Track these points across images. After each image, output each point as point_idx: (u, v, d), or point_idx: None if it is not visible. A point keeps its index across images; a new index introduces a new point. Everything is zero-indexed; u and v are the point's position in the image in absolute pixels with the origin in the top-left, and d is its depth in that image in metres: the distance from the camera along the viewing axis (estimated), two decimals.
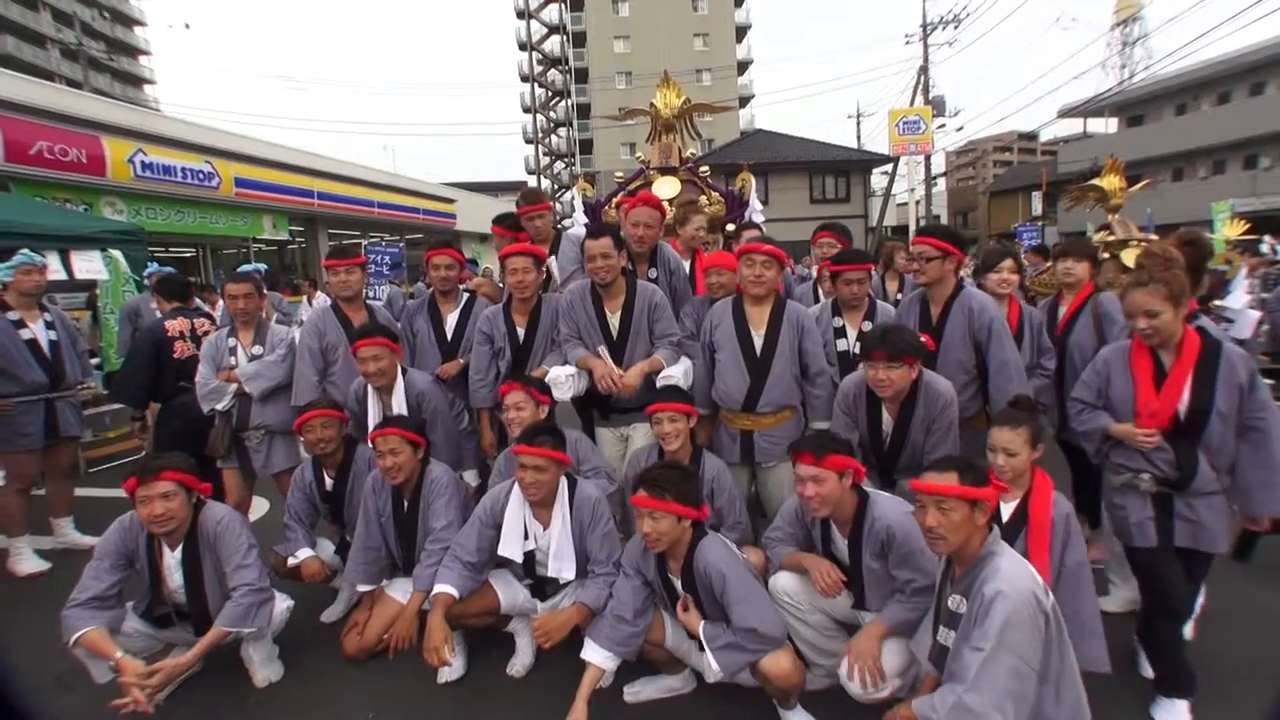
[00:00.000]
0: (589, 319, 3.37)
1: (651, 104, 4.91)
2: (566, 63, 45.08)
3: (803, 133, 31.86)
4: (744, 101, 44.06)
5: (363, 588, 3.17)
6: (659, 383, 3.21)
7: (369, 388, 3.43)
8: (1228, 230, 7.29)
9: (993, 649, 1.79)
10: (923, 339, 2.82)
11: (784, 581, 2.65)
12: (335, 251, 3.88)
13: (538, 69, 46.29)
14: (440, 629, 2.59)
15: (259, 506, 4.76)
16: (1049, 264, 4.77)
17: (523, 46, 46.18)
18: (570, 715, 2.34)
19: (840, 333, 3.47)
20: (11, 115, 10.27)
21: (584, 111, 43.23)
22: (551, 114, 48.40)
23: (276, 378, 3.77)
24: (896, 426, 2.84)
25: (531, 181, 43.76)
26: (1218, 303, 4.66)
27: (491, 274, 8.45)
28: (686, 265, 3.93)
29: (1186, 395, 2.40)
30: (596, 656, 2.46)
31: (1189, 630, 2.66)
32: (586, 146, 44.48)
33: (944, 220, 41.63)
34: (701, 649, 2.44)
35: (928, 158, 24.53)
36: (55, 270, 5.61)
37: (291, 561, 3.30)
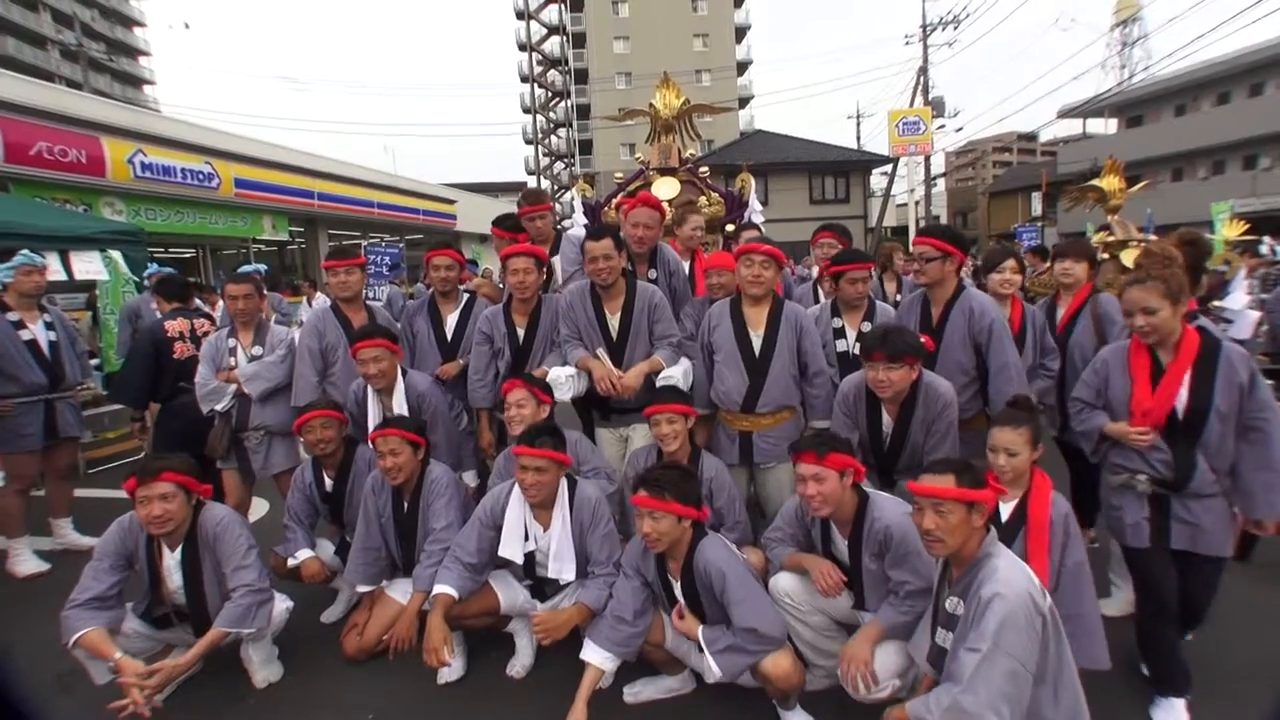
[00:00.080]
0: (589, 320, 3.37)
1: (651, 105, 4.91)
2: (566, 63, 45.11)
3: (802, 133, 31.92)
4: (743, 102, 44.09)
5: (362, 588, 3.17)
6: (659, 383, 3.21)
7: (369, 389, 3.43)
8: (1227, 231, 7.29)
9: (989, 651, 1.79)
10: (923, 340, 2.82)
11: (784, 582, 2.65)
12: (335, 252, 3.87)
13: (537, 70, 46.35)
14: (440, 630, 2.59)
15: (258, 507, 4.76)
16: (1048, 264, 4.77)
17: (522, 47, 46.24)
18: (570, 716, 2.34)
19: (840, 333, 3.47)
20: (11, 116, 10.26)
21: (584, 112, 43.25)
22: (551, 115, 48.44)
23: (276, 378, 3.77)
24: (896, 427, 2.84)
25: (531, 182, 43.85)
26: (1217, 303, 4.66)
27: (491, 274, 8.45)
28: (686, 266, 3.93)
29: (1185, 395, 2.38)
30: (596, 657, 2.46)
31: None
32: (586, 147, 44.50)
33: (943, 221, 41.62)
34: (701, 650, 2.44)
35: (927, 158, 24.56)
36: (55, 271, 5.60)
37: (291, 562, 3.30)
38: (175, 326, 4.24)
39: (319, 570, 3.32)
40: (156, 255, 10.26)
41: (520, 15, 45.84)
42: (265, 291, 4.55)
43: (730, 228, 4.65)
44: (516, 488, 2.81)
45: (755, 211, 4.69)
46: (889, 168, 26.11)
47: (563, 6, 44.38)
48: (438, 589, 2.70)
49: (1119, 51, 42.01)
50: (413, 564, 3.04)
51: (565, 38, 44.90)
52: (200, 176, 13.33)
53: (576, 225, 4.58)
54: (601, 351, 3.30)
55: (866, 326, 3.36)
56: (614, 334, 3.35)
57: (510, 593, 2.95)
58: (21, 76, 11.92)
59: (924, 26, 24.21)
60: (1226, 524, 2.44)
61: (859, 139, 37.17)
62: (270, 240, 16.35)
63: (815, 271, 4.80)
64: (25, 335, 4.18)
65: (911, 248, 3.54)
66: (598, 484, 3.06)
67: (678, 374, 3.26)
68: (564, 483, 2.82)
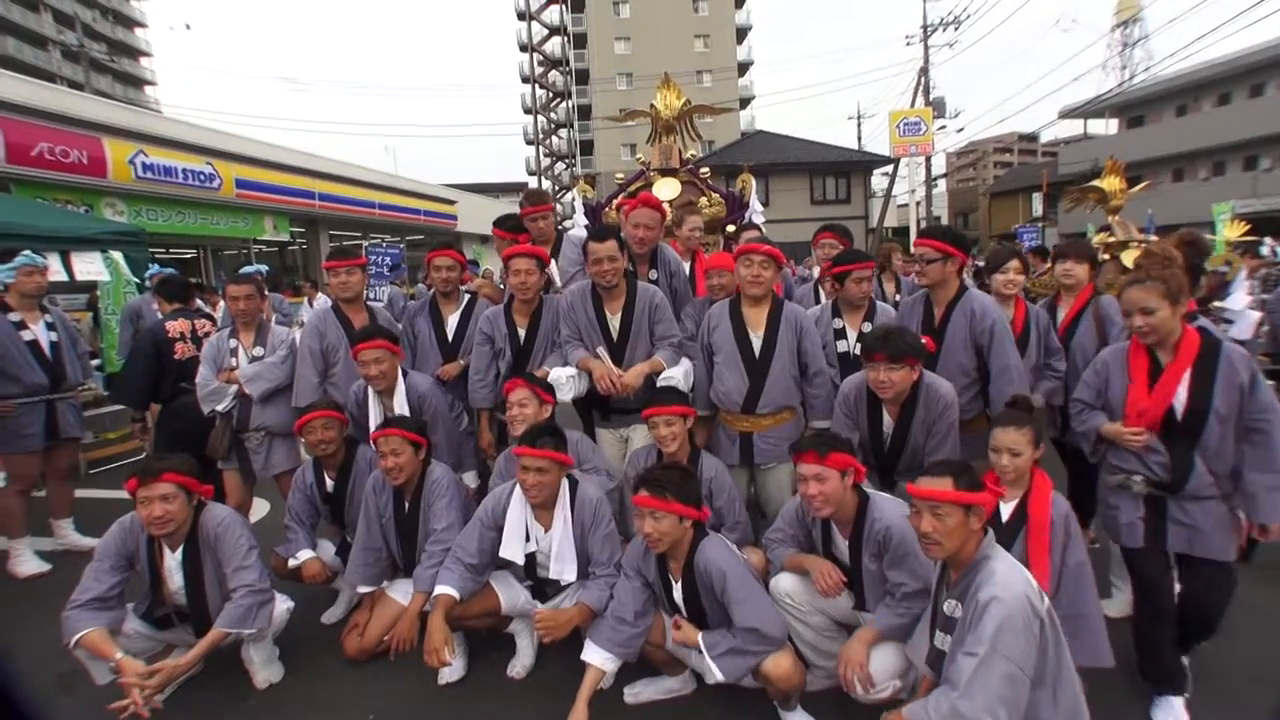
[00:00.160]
0: (589, 320, 3.37)
1: (652, 105, 4.91)
2: (567, 64, 45.13)
3: (803, 134, 31.95)
4: (744, 103, 44.11)
5: (363, 589, 3.17)
6: (659, 384, 3.22)
7: (369, 390, 3.43)
8: (1228, 231, 7.27)
9: (986, 655, 1.79)
10: (923, 341, 2.82)
11: (785, 583, 2.65)
12: (336, 253, 3.88)
13: (538, 70, 46.37)
14: (441, 630, 2.59)
15: (259, 508, 4.76)
16: (1049, 265, 4.77)
17: (524, 48, 46.26)
18: (571, 716, 2.34)
19: (840, 334, 3.47)
20: (13, 117, 10.28)
21: (585, 113, 43.26)
22: (552, 115, 48.45)
23: (277, 379, 3.78)
24: (897, 428, 2.84)
25: (532, 182, 43.91)
26: (1218, 304, 4.65)
27: (492, 275, 8.45)
28: (686, 266, 3.93)
29: (1184, 395, 2.37)
30: (597, 658, 2.46)
31: None
32: (587, 148, 44.52)
33: (944, 221, 41.63)
34: (701, 653, 2.44)
35: (928, 159, 24.57)
36: (56, 272, 5.60)
37: (292, 563, 3.30)
38: (176, 327, 4.24)
39: (320, 571, 3.32)
40: (158, 256, 10.27)
41: (521, 16, 45.86)
42: (266, 292, 4.56)
43: (731, 228, 4.65)
44: (517, 488, 2.81)
45: (756, 212, 4.70)
46: (890, 168, 26.12)
47: (564, 7, 44.41)
48: (439, 590, 2.70)
49: (1120, 52, 42.05)
50: (413, 564, 3.04)
51: (566, 38, 44.92)
52: (201, 177, 13.35)
53: (577, 226, 4.58)
54: (602, 351, 3.30)
55: (867, 327, 3.36)
56: (614, 334, 3.35)
57: (511, 593, 2.95)
58: (23, 77, 11.94)
59: (925, 27, 24.23)
60: (1227, 527, 2.41)
61: (860, 140, 37.22)
62: (271, 241, 16.37)
63: (816, 272, 4.80)
64: (26, 336, 4.18)
65: (912, 249, 3.54)
66: (597, 480, 3.06)
67: (678, 374, 3.26)
68: (565, 483, 2.82)
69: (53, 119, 10.97)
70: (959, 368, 3.03)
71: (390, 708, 2.78)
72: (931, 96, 24.28)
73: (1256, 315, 4.58)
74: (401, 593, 3.08)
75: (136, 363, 4.27)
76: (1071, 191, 5.21)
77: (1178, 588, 2.54)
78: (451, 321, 3.93)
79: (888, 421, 2.87)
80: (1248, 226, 7.55)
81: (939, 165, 44.68)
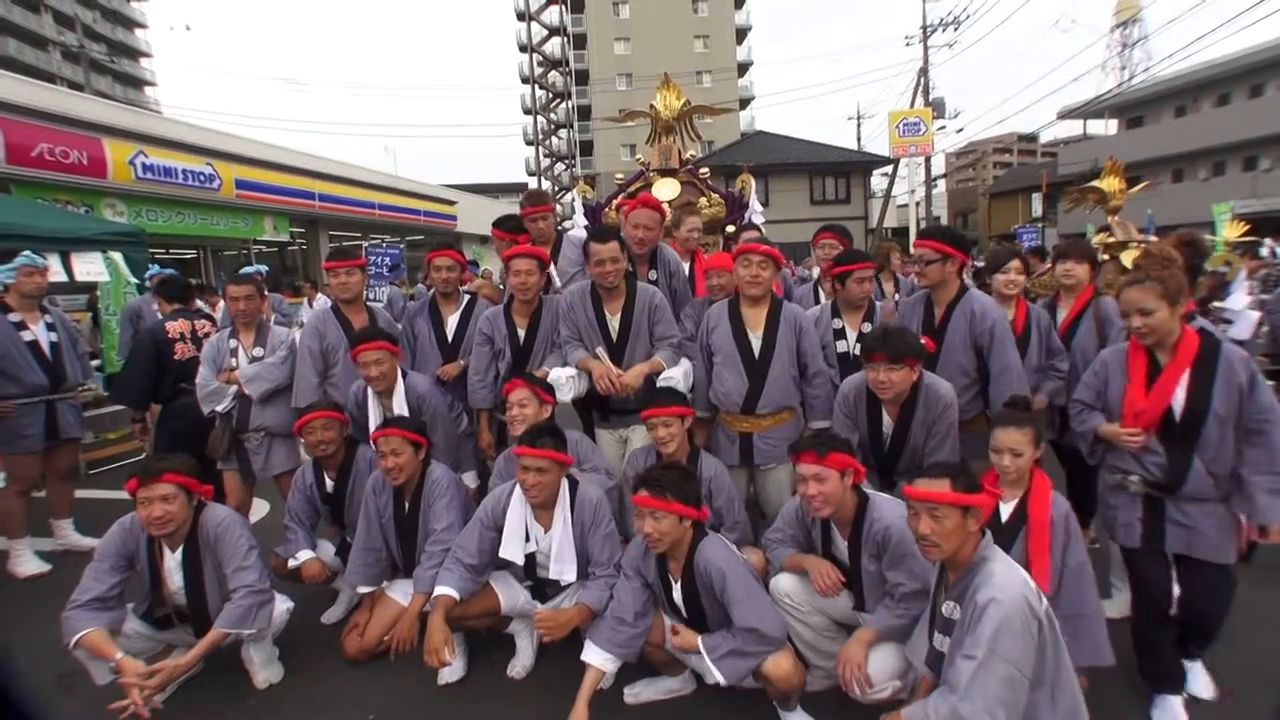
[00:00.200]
0: (589, 321, 3.37)
1: (652, 106, 4.91)
2: (567, 65, 45.14)
3: (803, 134, 31.96)
4: (744, 103, 44.12)
5: (363, 589, 3.17)
6: (659, 384, 3.22)
7: (369, 390, 3.43)
8: (1228, 232, 7.27)
9: (985, 657, 1.79)
10: (923, 341, 2.82)
11: (785, 583, 2.66)
12: (335, 253, 3.88)
13: (538, 71, 46.38)
14: (441, 630, 2.59)
15: (259, 508, 4.76)
16: (1048, 266, 4.77)
17: (523, 48, 46.27)
18: (571, 717, 2.34)
19: (840, 334, 3.47)
20: (13, 117, 10.28)
21: (584, 113, 43.27)
22: (552, 116, 48.47)
23: (276, 380, 3.78)
24: (897, 428, 2.85)
25: (532, 183, 43.92)
26: (1218, 304, 4.65)
27: (491, 275, 8.45)
28: (686, 267, 3.93)
29: (1183, 396, 2.36)
30: (597, 658, 2.46)
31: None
32: (587, 148, 44.53)
33: (944, 222, 41.63)
34: (701, 655, 2.44)
35: (928, 159, 24.60)
36: (56, 272, 5.60)
37: (292, 563, 3.30)
38: (176, 327, 4.24)
39: (320, 571, 3.32)
40: (158, 256, 10.27)
41: (521, 17, 45.87)
42: (266, 293, 4.56)
43: (730, 229, 4.65)
44: (517, 488, 2.81)
45: (756, 212, 4.70)
46: (890, 169, 26.14)
47: (563, 8, 44.43)
48: (439, 590, 2.70)
49: (1119, 53, 42.08)
50: (413, 565, 3.04)
51: (566, 39, 44.94)
52: (201, 178, 13.36)
53: (577, 226, 4.58)
54: (601, 350, 3.31)
55: (867, 327, 3.36)
56: (614, 335, 3.35)
57: (511, 594, 2.95)
58: (23, 78, 11.94)
59: (924, 28, 24.26)
60: (1226, 529, 2.39)
61: (859, 140, 37.25)
62: (271, 241, 16.38)
63: (816, 272, 4.80)
64: (27, 336, 4.19)
65: (912, 250, 3.54)
66: (596, 479, 3.06)
67: (678, 375, 3.26)
68: (565, 483, 2.83)
69: (53, 120, 10.97)
70: (959, 368, 3.03)
71: (390, 708, 2.78)
72: (931, 97, 24.32)
73: (1255, 315, 4.58)
74: (401, 593, 3.08)
75: (136, 363, 4.27)
76: (1071, 192, 5.21)
77: (1177, 589, 2.53)
78: (451, 322, 3.94)
79: (887, 422, 2.87)
80: (1247, 227, 7.55)
81: (938, 166, 44.76)
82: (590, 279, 3.41)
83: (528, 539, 2.84)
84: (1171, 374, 2.38)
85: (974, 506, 1.95)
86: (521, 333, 3.60)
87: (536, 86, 46.46)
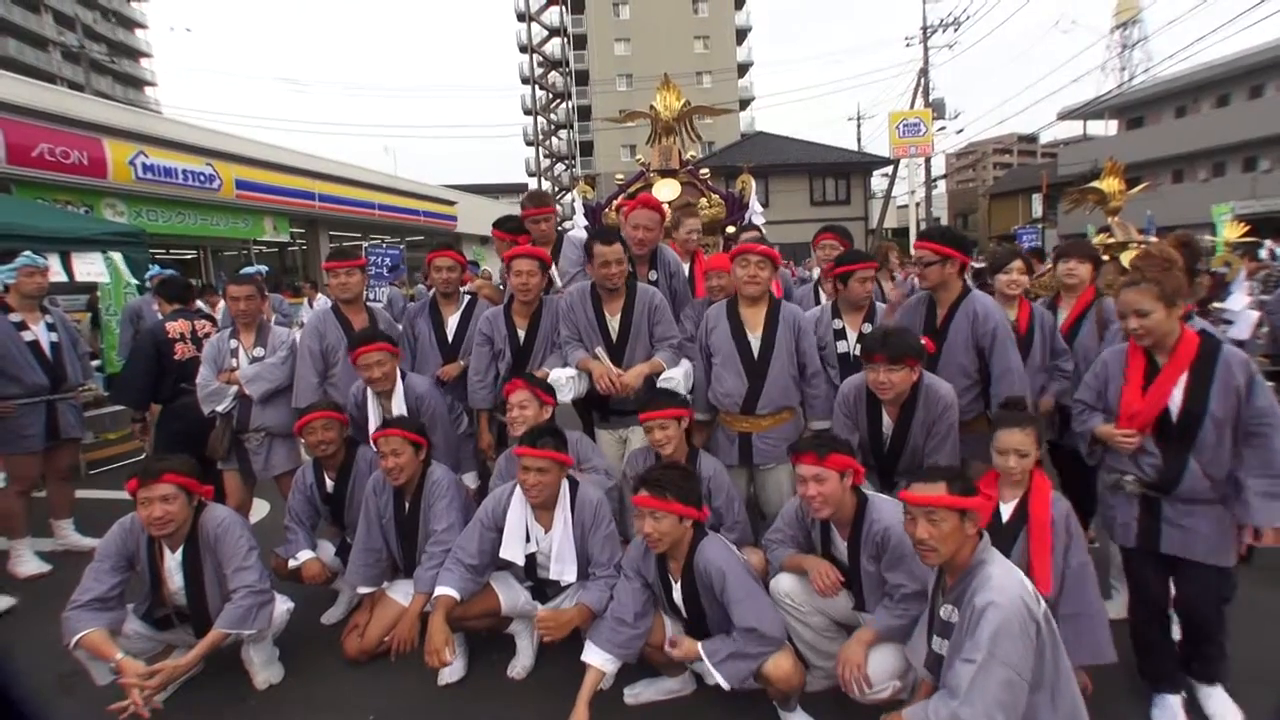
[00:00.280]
0: (589, 321, 3.38)
1: (652, 106, 4.92)
2: (567, 65, 45.15)
3: (803, 135, 31.97)
4: (744, 104, 44.12)
5: (363, 590, 3.17)
6: (659, 384, 3.22)
7: (368, 391, 3.43)
8: (1228, 233, 7.28)
9: (984, 661, 1.79)
10: (923, 341, 2.82)
11: (785, 583, 2.66)
12: (335, 254, 3.89)
13: (538, 71, 46.40)
14: (441, 631, 2.59)
15: (259, 508, 4.76)
16: (1049, 266, 4.77)
17: (523, 49, 46.29)
18: (571, 717, 2.34)
19: (841, 335, 3.46)
20: (13, 117, 10.29)
21: (584, 114, 43.27)
22: (552, 116, 48.48)
23: (277, 380, 3.78)
24: (897, 429, 2.85)
25: (532, 183, 43.93)
26: (1218, 305, 4.65)
27: (491, 276, 8.45)
28: (686, 268, 3.93)
29: (1180, 398, 2.36)
30: (597, 659, 2.47)
31: (1176, 633, 2.64)
32: (587, 149, 44.53)
33: (944, 222, 41.63)
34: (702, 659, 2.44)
35: (928, 160, 24.59)
36: (56, 272, 5.61)
37: (292, 563, 3.30)
38: (176, 328, 4.24)
39: (320, 571, 3.32)
40: (158, 257, 10.27)
41: (521, 17, 45.89)
42: (266, 293, 4.56)
43: (731, 229, 4.66)
44: (518, 489, 2.81)
45: (756, 213, 4.70)
46: (890, 169, 26.15)
47: (563, 8, 44.43)
48: (439, 591, 2.70)
49: (1119, 53, 42.11)
50: (414, 565, 3.04)
51: (566, 39, 44.94)
52: (201, 178, 13.36)
53: (577, 227, 4.58)
54: (600, 350, 3.31)
55: (867, 328, 3.36)
56: (614, 335, 3.35)
57: (511, 594, 2.95)
58: (23, 78, 11.95)
59: (924, 28, 24.26)
60: (1224, 532, 2.38)
61: (859, 141, 37.29)
62: (271, 241, 16.39)
63: (816, 273, 4.81)
64: (27, 336, 4.18)
65: (912, 251, 3.54)
66: (596, 479, 3.06)
67: (679, 375, 3.26)
68: (565, 484, 2.83)
69: (53, 120, 10.98)
70: (959, 369, 3.02)
71: (390, 708, 2.78)
72: (931, 98, 24.32)
73: (1255, 315, 4.58)
74: (402, 593, 3.08)
75: (137, 363, 4.27)
76: (1071, 193, 5.21)
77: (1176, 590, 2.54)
78: (452, 322, 3.94)
79: (887, 422, 2.87)
80: (1247, 228, 7.56)
81: (938, 166, 44.79)
82: (591, 279, 3.41)
83: (528, 539, 2.84)
84: (1169, 375, 2.37)
85: (970, 509, 1.96)
86: (521, 333, 3.60)
87: (537, 87, 46.48)
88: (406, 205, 21.03)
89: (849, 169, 29.13)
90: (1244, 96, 27.30)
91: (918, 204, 24.38)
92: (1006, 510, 2.42)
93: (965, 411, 2.94)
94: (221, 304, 6.69)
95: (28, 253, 4.27)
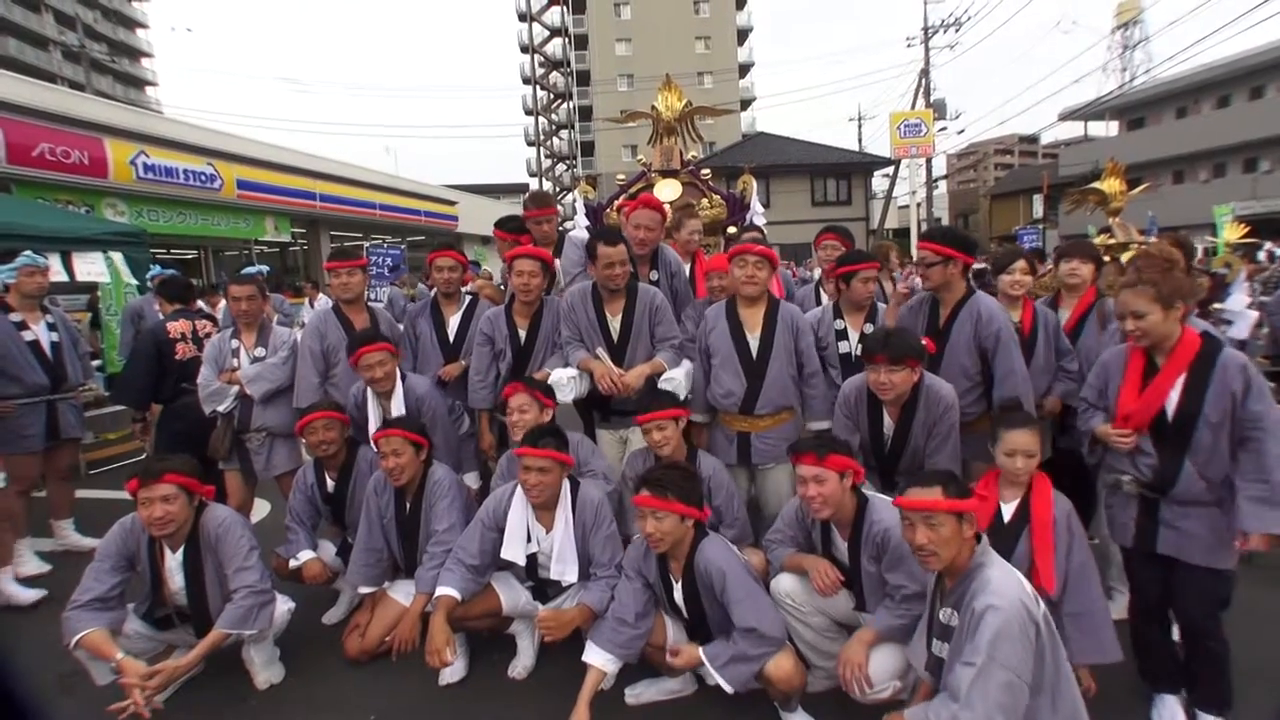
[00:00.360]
0: (590, 321, 3.37)
1: (653, 107, 4.92)
2: (568, 65, 45.17)
3: (804, 135, 31.95)
4: (745, 104, 44.14)
5: (364, 589, 3.17)
6: (660, 384, 3.22)
7: (368, 392, 3.43)
8: (1229, 233, 7.28)
9: (984, 664, 1.79)
10: (924, 342, 2.82)
11: (785, 583, 2.66)
12: (336, 254, 3.89)
13: (539, 71, 46.43)
14: (442, 631, 2.60)
15: (260, 508, 4.76)
16: (1050, 267, 4.77)
17: (524, 49, 46.35)
18: (572, 717, 2.35)
19: (842, 335, 3.46)
20: (13, 117, 10.29)
21: (585, 114, 43.29)
22: (553, 116, 48.50)
23: (278, 380, 3.78)
24: (897, 429, 2.85)
25: (533, 184, 43.98)
26: (1218, 305, 4.65)
27: (491, 276, 8.45)
28: (687, 268, 3.93)
29: (1177, 399, 2.35)
30: (598, 659, 2.47)
31: (1175, 634, 2.63)
32: (588, 149, 44.55)
33: (945, 223, 41.64)
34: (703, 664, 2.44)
35: (929, 160, 24.58)
36: (57, 272, 5.61)
37: (293, 563, 3.30)
38: (177, 328, 4.24)
39: (321, 571, 3.32)
40: (159, 256, 10.27)
41: (522, 17, 45.94)
42: (268, 293, 4.56)
43: (732, 230, 4.65)
44: (519, 489, 2.81)
45: (757, 214, 4.70)
46: (891, 170, 26.15)
47: (565, 9, 44.45)
48: (440, 591, 2.71)
49: (1120, 54, 42.08)
50: (415, 565, 3.04)
51: (567, 40, 44.96)
52: (202, 178, 13.37)
53: (578, 227, 4.58)
54: (601, 350, 3.31)
55: (869, 328, 3.36)
56: (615, 335, 3.35)
57: (512, 594, 2.95)
58: (24, 78, 11.95)
59: (926, 29, 24.26)
60: (1221, 535, 2.36)
61: (860, 141, 37.28)
62: (272, 241, 16.39)
63: (818, 274, 4.80)
64: (28, 336, 4.18)
65: (914, 252, 3.53)
66: (597, 483, 3.06)
67: (680, 375, 3.26)
68: (566, 484, 2.83)
69: (54, 119, 10.97)
70: (961, 370, 3.02)
71: (391, 708, 2.78)
72: (932, 98, 24.33)
73: (1254, 315, 4.59)
74: (403, 593, 3.08)
75: (137, 363, 4.27)
76: (1072, 193, 5.21)
77: None
78: (453, 322, 3.93)
79: (888, 423, 2.87)
80: (1248, 228, 7.56)
81: (939, 167, 44.71)
82: (592, 279, 3.41)
83: (529, 540, 2.84)
84: (1166, 376, 2.36)
85: (967, 511, 1.95)
86: (522, 333, 3.60)
87: (538, 87, 46.53)
88: (408, 205, 21.03)
89: (850, 169, 29.13)
90: (1245, 97, 27.31)
91: (919, 204, 24.40)
92: (1008, 510, 2.42)
93: (966, 412, 2.94)
94: (222, 304, 6.69)
95: (28, 252, 4.27)
